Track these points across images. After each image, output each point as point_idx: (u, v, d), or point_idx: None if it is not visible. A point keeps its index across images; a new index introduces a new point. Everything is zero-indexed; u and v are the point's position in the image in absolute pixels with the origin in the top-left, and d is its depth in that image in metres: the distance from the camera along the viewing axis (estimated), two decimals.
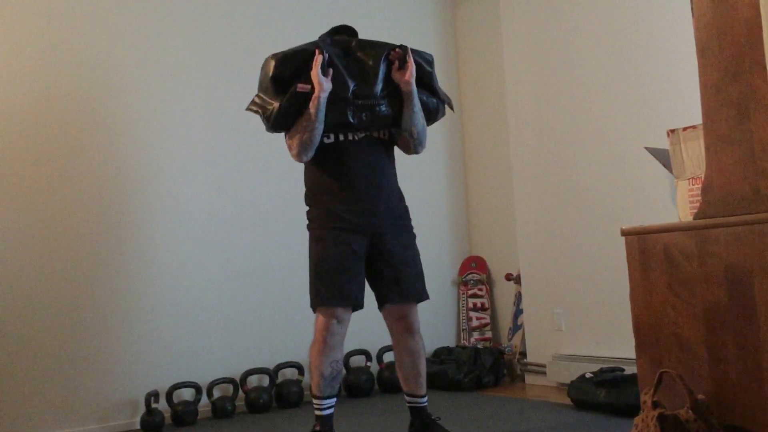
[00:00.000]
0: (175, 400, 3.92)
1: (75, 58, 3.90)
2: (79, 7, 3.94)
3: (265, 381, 4.23)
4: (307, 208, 3.08)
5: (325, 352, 2.91)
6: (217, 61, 4.33)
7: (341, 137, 2.99)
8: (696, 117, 2.19)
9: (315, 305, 2.96)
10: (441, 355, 4.74)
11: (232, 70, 4.35)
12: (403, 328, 3.04)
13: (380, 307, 3.07)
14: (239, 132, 4.30)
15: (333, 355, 2.93)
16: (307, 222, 3.07)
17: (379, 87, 2.98)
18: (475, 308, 5.09)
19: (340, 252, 2.93)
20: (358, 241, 2.95)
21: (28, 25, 3.79)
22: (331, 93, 2.90)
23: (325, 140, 2.98)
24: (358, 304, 2.96)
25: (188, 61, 4.23)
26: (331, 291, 2.91)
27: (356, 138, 3.00)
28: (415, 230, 3.14)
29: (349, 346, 4.37)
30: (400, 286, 3.00)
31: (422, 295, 3.06)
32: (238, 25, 4.44)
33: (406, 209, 3.13)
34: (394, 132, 3.08)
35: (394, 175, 3.13)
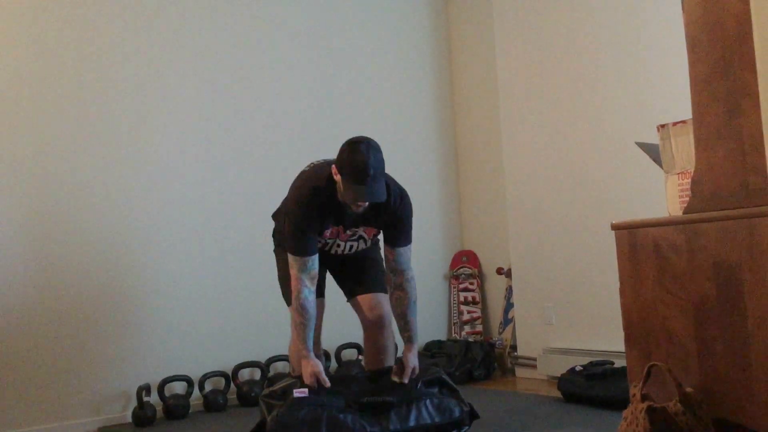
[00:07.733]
0: (167, 393, 3.92)
1: (69, 58, 3.88)
2: (77, 9, 3.92)
3: (257, 374, 4.24)
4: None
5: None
6: (211, 60, 4.31)
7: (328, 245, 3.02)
8: (686, 112, 2.20)
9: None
10: (432, 348, 4.76)
11: (226, 69, 4.34)
12: (374, 318, 3.06)
13: (349, 299, 3.15)
14: (232, 129, 4.29)
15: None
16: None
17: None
18: (466, 302, 5.11)
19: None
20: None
21: (27, 27, 3.77)
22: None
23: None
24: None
25: (181, 61, 4.22)
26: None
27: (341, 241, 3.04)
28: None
29: (340, 339, 4.40)
30: (367, 280, 3.10)
31: (385, 289, 3.11)
32: (231, 27, 4.42)
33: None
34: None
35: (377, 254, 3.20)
